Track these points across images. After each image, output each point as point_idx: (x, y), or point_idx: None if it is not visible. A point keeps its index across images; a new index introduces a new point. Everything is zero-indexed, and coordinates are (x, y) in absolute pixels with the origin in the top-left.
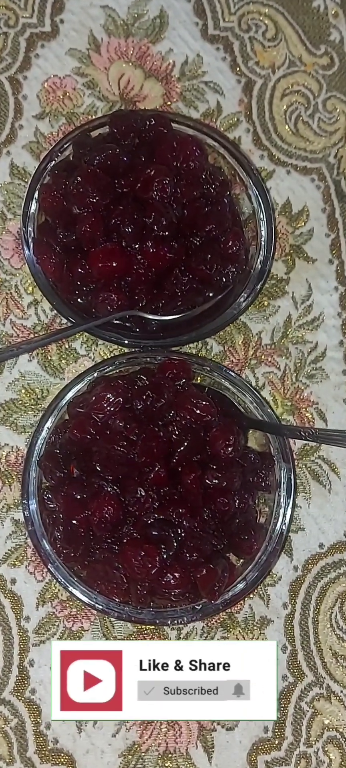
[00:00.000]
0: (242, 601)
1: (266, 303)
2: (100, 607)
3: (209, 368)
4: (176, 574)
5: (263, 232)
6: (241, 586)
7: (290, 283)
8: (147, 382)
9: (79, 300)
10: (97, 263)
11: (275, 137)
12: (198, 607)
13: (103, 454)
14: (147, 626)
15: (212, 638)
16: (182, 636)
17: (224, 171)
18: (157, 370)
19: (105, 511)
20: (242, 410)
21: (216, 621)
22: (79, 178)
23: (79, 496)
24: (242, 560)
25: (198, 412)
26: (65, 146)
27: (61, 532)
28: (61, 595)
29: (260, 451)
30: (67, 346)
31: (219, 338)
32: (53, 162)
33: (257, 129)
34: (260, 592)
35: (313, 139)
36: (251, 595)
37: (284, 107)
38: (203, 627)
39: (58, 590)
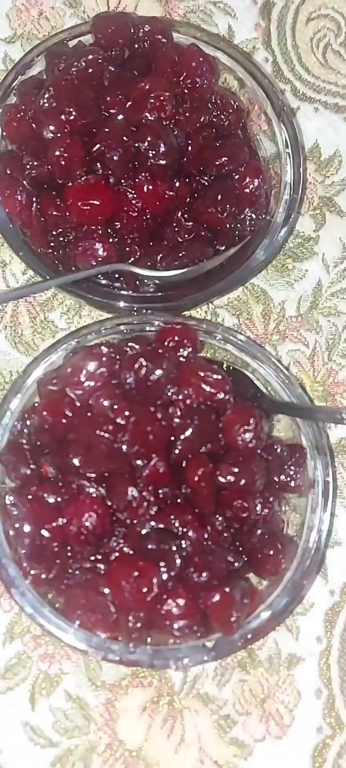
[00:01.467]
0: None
1: (290, 266)
2: (82, 646)
3: (221, 337)
4: (179, 601)
5: (288, 170)
6: (265, 615)
7: (320, 242)
8: (140, 351)
9: (53, 252)
10: (75, 202)
11: (300, 69)
12: (210, 644)
13: (83, 444)
14: (144, 672)
15: (228, 681)
16: (188, 679)
17: (240, 97)
18: (154, 339)
19: (86, 519)
20: (265, 391)
21: (232, 659)
22: (51, 90)
23: (52, 500)
24: (265, 582)
25: (207, 388)
26: (36, 59)
27: (27, 547)
28: (35, 629)
29: (288, 443)
30: (42, 318)
31: (233, 308)
32: (20, 78)
33: (278, 59)
34: (288, 624)
35: None
36: (277, 628)
37: (311, 34)
38: (216, 668)
39: (31, 623)
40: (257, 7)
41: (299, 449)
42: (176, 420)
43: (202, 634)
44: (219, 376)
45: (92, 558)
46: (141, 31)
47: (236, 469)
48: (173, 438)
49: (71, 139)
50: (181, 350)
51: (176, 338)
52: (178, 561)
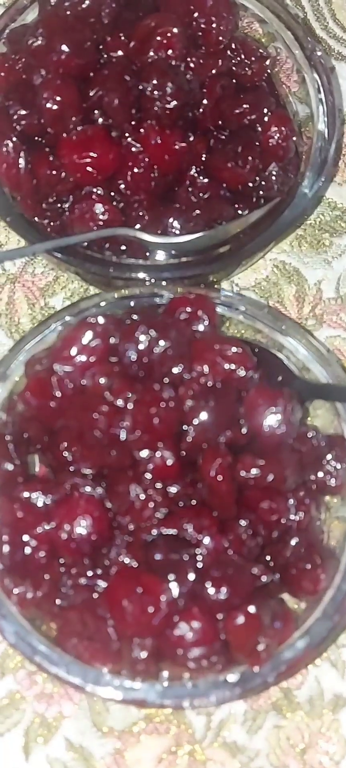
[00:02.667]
0: (304, 672)
1: (327, 242)
2: (77, 680)
3: (245, 310)
4: (193, 624)
5: (322, 126)
6: (302, 644)
7: None
8: (143, 319)
9: (48, 221)
10: (70, 156)
11: (334, 26)
12: (233, 680)
13: (75, 432)
14: (160, 715)
15: (260, 728)
16: (212, 725)
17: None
18: (162, 312)
19: (79, 523)
20: (299, 374)
21: (265, 701)
22: (40, 28)
23: (40, 502)
24: (303, 604)
25: (226, 364)
26: (30, 5)
27: (8, 560)
28: (31, 664)
29: (327, 435)
30: (42, 304)
31: (261, 290)
32: (10, 28)
33: (309, 15)
34: (332, 657)
35: None
36: (318, 661)
37: None
38: (246, 712)
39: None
40: None
41: (341, 441)
42: (188, 403)
43: (223, 667)
44: (240, 350)
45: (89, 573)
46: None
47: (262, 461)
48: (184, 425)
49: (63, 81)
50: (194, 324)
51: (189, 309)
52: (191, 575)
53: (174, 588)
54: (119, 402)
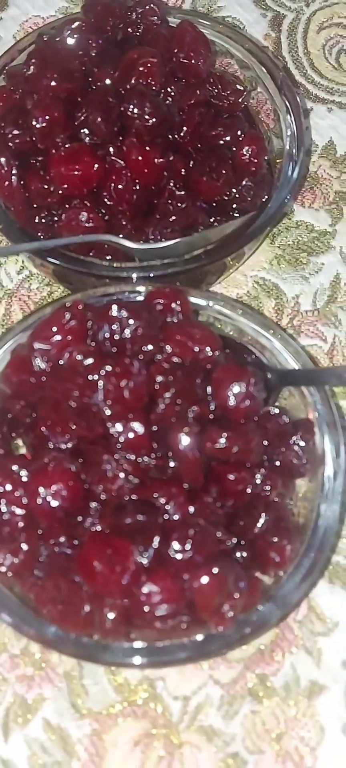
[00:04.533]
0: (280, 659)
1: (304, 260)
2: (50, 636)
3: (218, 307)
4: (159, 583)
5: (289, 135)
6: (267, 608)
7: (337, 236)
8: (117, 306)
9: (39, 230)
10: (58, 168)
11: (312, 73)
12: (200, 639)
13: (51, 404)
14: (137, 698)
15: (236, 713)
16: (188, 709)
17: (241, 80)
18: (139, 303)
19: (53, 490)
20: (268, 363)
21: (242, 687)
22: (34, 60)
23: (20, 474)
24: (272, 578)
25: (195, 346)
26: (28, 45)
27: None
28: (12, 646)
29: (294, 419)
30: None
31: (242, 304)
32: (10, 66)
33: (289, 65)
34: (308, 645)
35: None
36: (294, 648)
37: (323, 41)
38: (222, 696)
39: (7, 639)
40: (266, 20)
41: (307, 424)
42: (158, 378)
43: (189, 627)
44: (207, 332)
45: (63, 540)
46: (134, 14)
47: (228, 433)
48: (154, 400)
49: (52, 102)
50: (169, 315)
51: (163, 301)
52: (157, 538)
53: (141, 550)
54: (93, 377)
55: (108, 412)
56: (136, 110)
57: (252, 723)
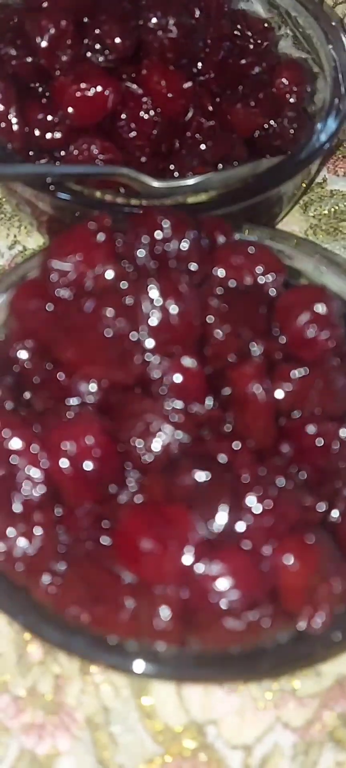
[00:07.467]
0: None
1: (344, 229)
2: (79, 649)
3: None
4: (231, 562)
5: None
6: None
7: None
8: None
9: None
10: (67, 90)
11: None
12: (284, 641)
13: (71, 339)
14: (183, 749)
15: (315, 765)
16: (252, 762)
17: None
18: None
19: (83, 448)
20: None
21: (320, 731)
22: None
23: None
24: None
25: (256, 267)
26: None
27: None
28: (16, 685)
29: None
30: None
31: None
32: None
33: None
34: None
35: None
36: None
37: (340, 15)
38: (295, 744)
39: (9, 676)
40: None
41: None
42: (212, 302)
43: (274, 625)
44: (268, 252)
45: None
46: None
47: (305, 369)
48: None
49: (62, 11)
50: (216, 235)
51: (209, 227)
52: (225, 501)
53: (205, 518)
54: (130, 301)
55: (151, 344)
56: (158, 21)
57: None
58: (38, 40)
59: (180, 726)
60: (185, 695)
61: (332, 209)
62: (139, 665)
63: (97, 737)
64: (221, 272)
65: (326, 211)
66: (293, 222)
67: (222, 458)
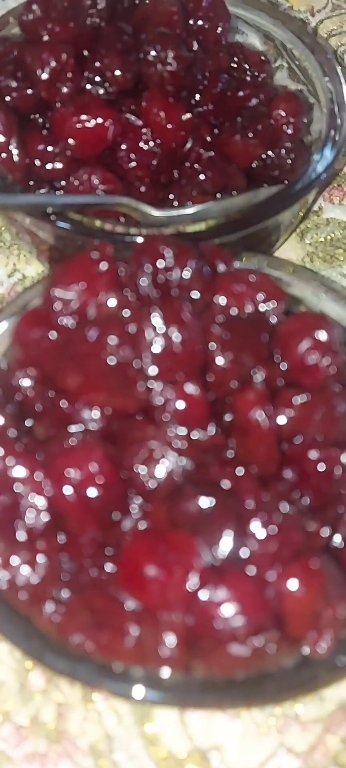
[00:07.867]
0: None
1: (341, 257)
2: (84, 676)
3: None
4: (236, 588)
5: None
6: None
7: None
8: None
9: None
10: (68, 121)
11: None
12: (289, 666)
13: (74, 366)
14: (187, 767)
15: None
16: None
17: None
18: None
19: (87, 475)
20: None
21: (323, 756)
22: (35, 6)
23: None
24: None
25: (257, 295)
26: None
27: None
28: (18, 713)
29: None
30: None
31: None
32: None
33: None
34: None
35: None
36: None
37: (334, 47)
38: None
39: (12, 706)
40: None
41: None
42: (214, 330)
43: (279, 650)
44: (267, 280)
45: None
46: None
47: (306, 395)
48: (208, 362)
49: (62, 45)
50: (217, 264)
51: (210, 255)
52: (230, 527)
53: (209, 544)
54: (133, 329)
55: (154, 371)
56: (158, 54)
57: None
58: (39, 72)
59: (184, 752)
60: (188, 721)
61: (328, 237)
62: (144, 692)
63: (101, 765)
64: (222, 300)
65: (322, 239)
66: (290, 249)
67: (225, 484)
